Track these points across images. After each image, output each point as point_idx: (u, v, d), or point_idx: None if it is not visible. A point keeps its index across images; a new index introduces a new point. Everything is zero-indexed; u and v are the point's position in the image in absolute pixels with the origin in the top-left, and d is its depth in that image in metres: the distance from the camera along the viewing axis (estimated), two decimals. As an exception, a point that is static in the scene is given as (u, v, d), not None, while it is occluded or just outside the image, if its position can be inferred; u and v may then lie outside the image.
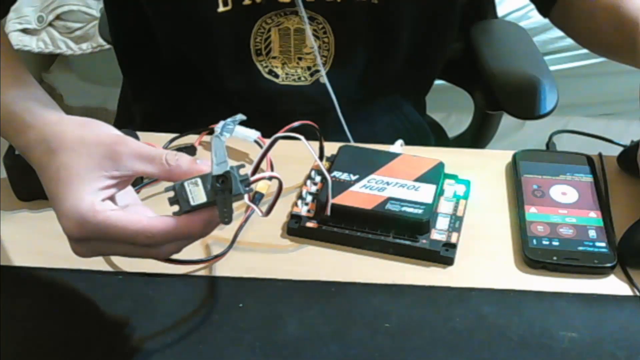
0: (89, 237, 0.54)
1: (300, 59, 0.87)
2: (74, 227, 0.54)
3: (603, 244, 0.67)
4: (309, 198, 0.71)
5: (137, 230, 0.53)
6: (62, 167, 0.56)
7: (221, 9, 0.82)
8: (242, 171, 0.55)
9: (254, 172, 0.68)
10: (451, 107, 1.65)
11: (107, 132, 0.58)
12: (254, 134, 0.76)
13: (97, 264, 0.65)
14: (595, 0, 0.83)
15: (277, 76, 0.87)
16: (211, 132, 0.78)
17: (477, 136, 1.12)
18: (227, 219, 0.54)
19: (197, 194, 0.54)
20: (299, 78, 0.88)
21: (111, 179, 0.56)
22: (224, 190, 0.54)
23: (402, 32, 0.88)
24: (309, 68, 0.87)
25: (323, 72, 0.85)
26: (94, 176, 0.55)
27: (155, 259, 0.57)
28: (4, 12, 0.79)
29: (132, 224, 0.53)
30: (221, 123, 0.68)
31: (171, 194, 0.55)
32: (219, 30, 0.84)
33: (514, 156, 0.77)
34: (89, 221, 0.53)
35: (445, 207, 0.70)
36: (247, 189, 0.55)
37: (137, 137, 0.68)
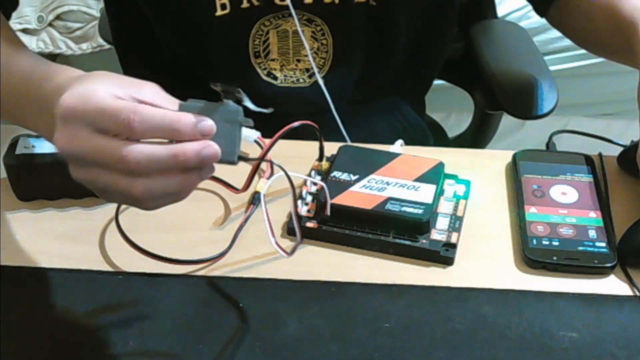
0: (79, 115, 0.51)
1: (298, 60, 0.87)
2: (69, 99, 0.52)
3: (603, 244, 0.67)
4: (309, 198, 0.71)
5: (127, 108, 0.51)
6: (83, 78, 0.55)
7: (219, 12, 0.82)
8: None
9: (254, 172, 0.68)
10: (451, 107, 1.65)
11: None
12: (254, 134, 0.76)
13: (97, 264, 0.66)
14: (593, 1, 0.83)
15: (275, 78, 0.87)
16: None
17: (477, 136, 1.12)
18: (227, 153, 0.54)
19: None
20: (298, 80, 0.88)
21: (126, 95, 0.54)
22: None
23: (401, 33, 0.88)
24: (307, 70, 0.87)
25: (318, 76, 0.85)
26: (112, 85, 0.53)
27: (133, 189, 0.52)
28: (7, 17, 0.79)
29: (124, 104, 0.51)
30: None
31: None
32: (217, 33, 0.84)
33: (514, 156, 0.77)
34: (86, 97, 0.51)
35: (445, 207, 0.70)
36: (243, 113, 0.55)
37: None
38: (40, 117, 0.60)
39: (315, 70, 0.85)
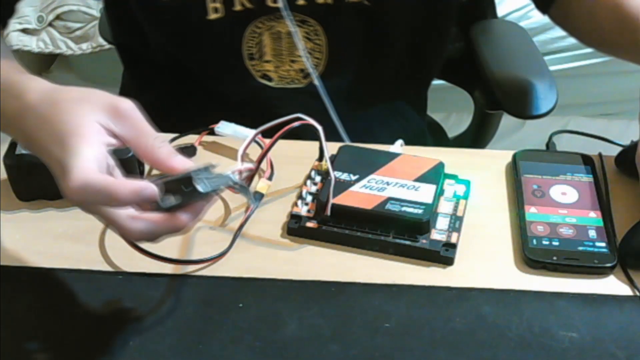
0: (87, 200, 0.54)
1: (293, 61, 0.87)
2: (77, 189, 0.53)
3: (603, 244, 0.67)
4: (309, 198, 0.71)
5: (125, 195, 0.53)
6: (65, 115, 0.56)
7: (212, 16, 0.82)
8: (216, 169, 0.56)
9: (255, 172, 0.68)
10: (451, 107, 1.65)
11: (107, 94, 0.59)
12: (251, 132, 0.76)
13: (97, 264, 0.66)
14: None
15: (270, 79, 0.87)
16: (211, 132, 0.78)
17: (477, 136, 1.12)
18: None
19: (167, 198, 0.55)
20: (292, 81, 0.88)
21: (109, 133, 0.56)
22: (190, 191, 0.55)
23: (396, 32, 0.87)
24: (302, 70, 0.87)
25: (314, 76, 0.85)
26: (96, 128, 0.55)
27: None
28: (3, 24, 0.79)
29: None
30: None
31: None
32: (210, 37, 0.84)
33: (514, 156, 0.77)
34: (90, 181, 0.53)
35: (445, 207, 0.70)
36: (213, 185, 0.55)
37: None
38: (9, 129, 0.61)
39: (312, 71, 0.85)
